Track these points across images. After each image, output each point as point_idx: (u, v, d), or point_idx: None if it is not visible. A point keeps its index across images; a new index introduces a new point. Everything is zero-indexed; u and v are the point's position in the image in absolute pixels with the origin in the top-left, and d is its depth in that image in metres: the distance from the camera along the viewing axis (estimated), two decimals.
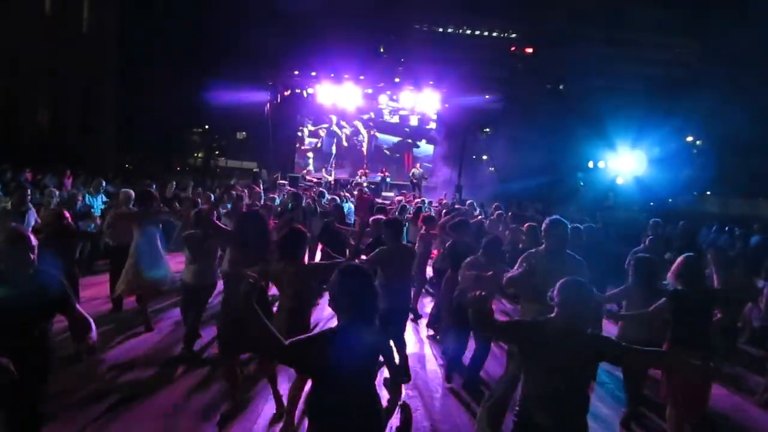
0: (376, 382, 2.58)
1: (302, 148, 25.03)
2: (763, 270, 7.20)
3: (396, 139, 25.55)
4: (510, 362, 4.50)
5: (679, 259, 4.33)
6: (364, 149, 25.15)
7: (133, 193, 7.06)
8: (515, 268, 4.59)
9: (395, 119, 25.01)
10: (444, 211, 9.67)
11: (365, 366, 2.46)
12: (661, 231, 9.41)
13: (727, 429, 4.84)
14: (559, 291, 2.80)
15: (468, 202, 13.52)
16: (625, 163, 30.38)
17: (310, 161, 24.79)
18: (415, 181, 20.93)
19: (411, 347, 6.47)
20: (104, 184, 9.61)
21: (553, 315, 2.82)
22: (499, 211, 11.07)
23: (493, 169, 44.84)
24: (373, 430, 2.49)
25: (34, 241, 3.03)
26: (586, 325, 2.78)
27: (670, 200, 29.75)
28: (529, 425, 2.77)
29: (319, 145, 25.00)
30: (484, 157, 45.57)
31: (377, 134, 25.33)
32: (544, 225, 4.51)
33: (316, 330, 4.12)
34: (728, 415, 5.07)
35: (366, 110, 24.50)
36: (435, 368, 5.92)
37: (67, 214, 5.75)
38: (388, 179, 22.27)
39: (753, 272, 7.40)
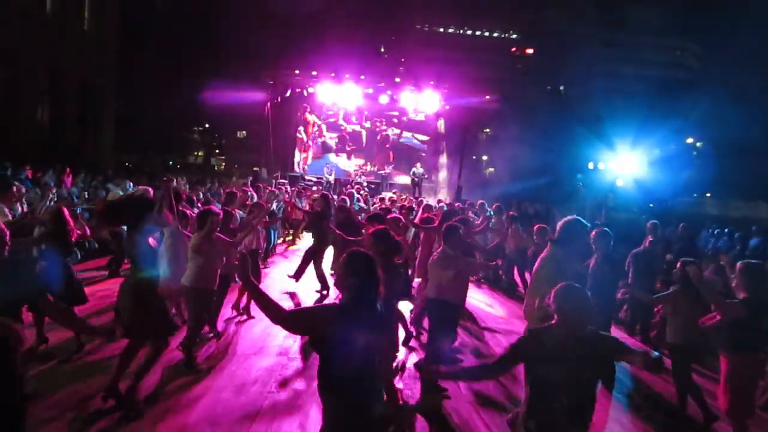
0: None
1: (348, 148, 24.50)
2: None
3: (424, 138, 25.25)
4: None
5: (739, 266, 4.31)
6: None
7: (152, 191, 7.07)
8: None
9: (421, 117, 24.67)
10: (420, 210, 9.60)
11: (366, 345, 2.53)
12: (660, 232, 9.42)
13: (726, 430, 4.83)
14: (556, 297, 2.76)
15: (479, 202, 13.50)
16: (624, 164, 30.38)
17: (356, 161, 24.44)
18: (416, 180, 20.93)
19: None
20: (130, 184, 9.61)
21: (552, 322, 2.77)
22: (510, 213, 10.82)
23: (492, 169, 44.92)
24: (372, 407, 2.57)
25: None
26: (584, 330, 2.72)
27: (670, 202, 29.76)
28: None
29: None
30: (485, 158, 45.67)
31: (404, 132, 24.97)
32: (559, 226, 4.27)
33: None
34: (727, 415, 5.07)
35: (393, 108, 24.12)
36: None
37: (67, 212, 5.63)
38: (388, 179, 22.28)
39: None
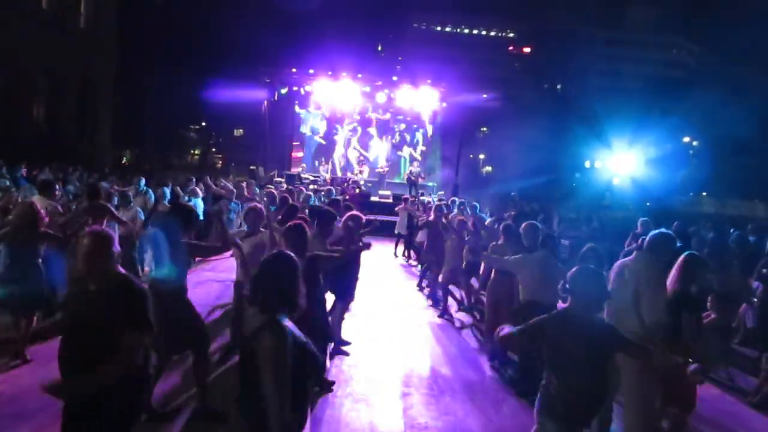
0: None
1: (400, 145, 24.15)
2: (756, 271, 7.22)
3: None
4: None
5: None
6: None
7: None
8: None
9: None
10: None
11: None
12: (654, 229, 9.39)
13: (720, 429, 4.87)
14: (572, 279, 2.81)
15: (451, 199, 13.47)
16: (621, 163, 30.47)
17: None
18: (412, 179, 20.90)
19: (411, 346, 6.46)
20: (143, 182, 9.52)
21: (567, 304, 2.85)
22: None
23: (490, 168, 44.99)
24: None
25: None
26: (598, 313, 2.83)
27: (666, 201, 29.87)
28: (553, 412, 2.78)
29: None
30: (482, 156, 45.72)
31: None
32: (649, 236, 4.24)
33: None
34: (721, 415, 5.10)
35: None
36: (431, 365, 5.90)
37: (42, 210, 5.08)
38: (386, 178, 22.25)
39: (747, 273, 7.43)
